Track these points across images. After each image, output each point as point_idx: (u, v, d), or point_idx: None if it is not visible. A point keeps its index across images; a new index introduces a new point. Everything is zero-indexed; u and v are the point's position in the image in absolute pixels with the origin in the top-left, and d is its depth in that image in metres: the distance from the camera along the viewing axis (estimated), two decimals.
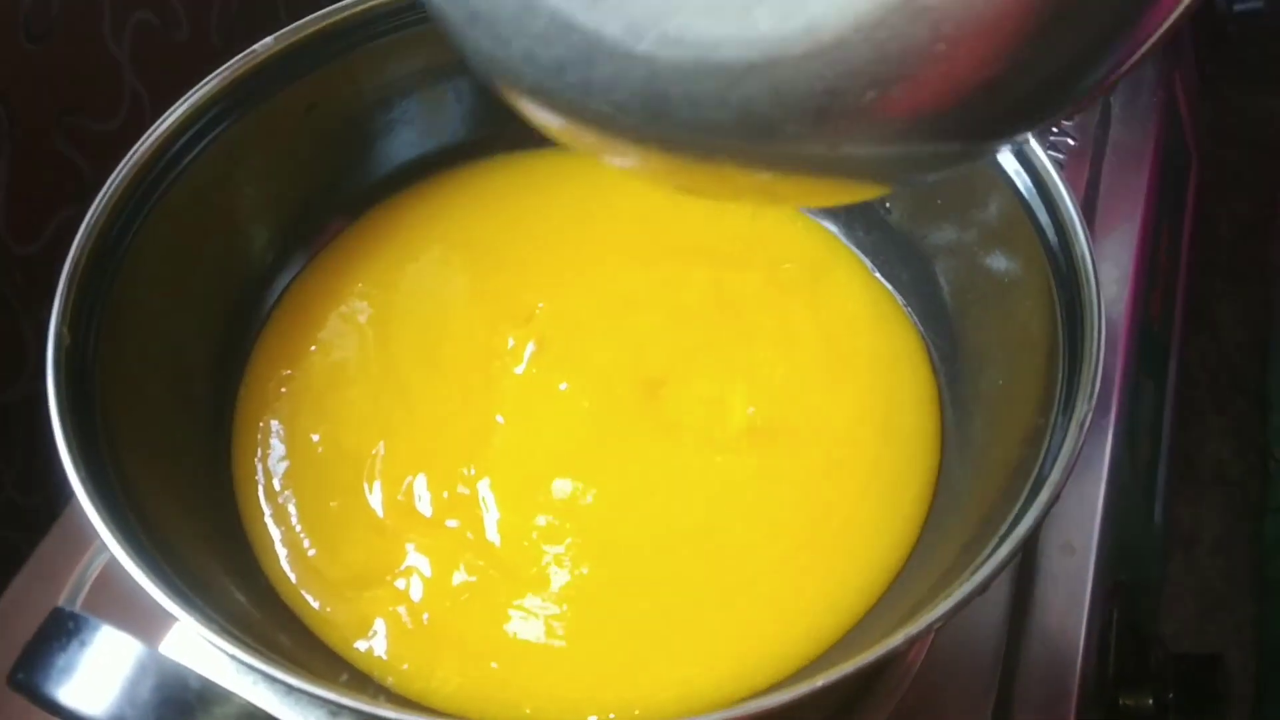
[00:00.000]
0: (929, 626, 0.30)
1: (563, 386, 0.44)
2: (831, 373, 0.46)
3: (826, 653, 0.39)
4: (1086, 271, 0.39)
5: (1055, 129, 0.62)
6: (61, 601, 0.47)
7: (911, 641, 0.30)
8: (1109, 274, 0.57)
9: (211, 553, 0.40)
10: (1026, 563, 0.48)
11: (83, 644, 0.29)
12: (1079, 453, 0.34)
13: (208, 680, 0.28)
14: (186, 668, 0.28)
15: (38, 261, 0.58)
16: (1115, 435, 0.52)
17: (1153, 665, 0.47)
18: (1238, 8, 0.74)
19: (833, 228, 0.51)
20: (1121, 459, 0.53)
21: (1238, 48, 0.80)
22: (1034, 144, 0.42)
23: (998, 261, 0.44)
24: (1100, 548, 0.49)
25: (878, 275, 0.49)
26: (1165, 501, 0.63)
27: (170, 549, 0.36)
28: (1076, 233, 0.39)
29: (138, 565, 0.33)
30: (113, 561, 0.33)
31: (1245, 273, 0.89)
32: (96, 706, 0.28)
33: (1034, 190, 0.41)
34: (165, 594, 0.32)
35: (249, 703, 0.28)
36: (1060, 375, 0.38)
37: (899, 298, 0.49)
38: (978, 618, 0.46)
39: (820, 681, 0.30)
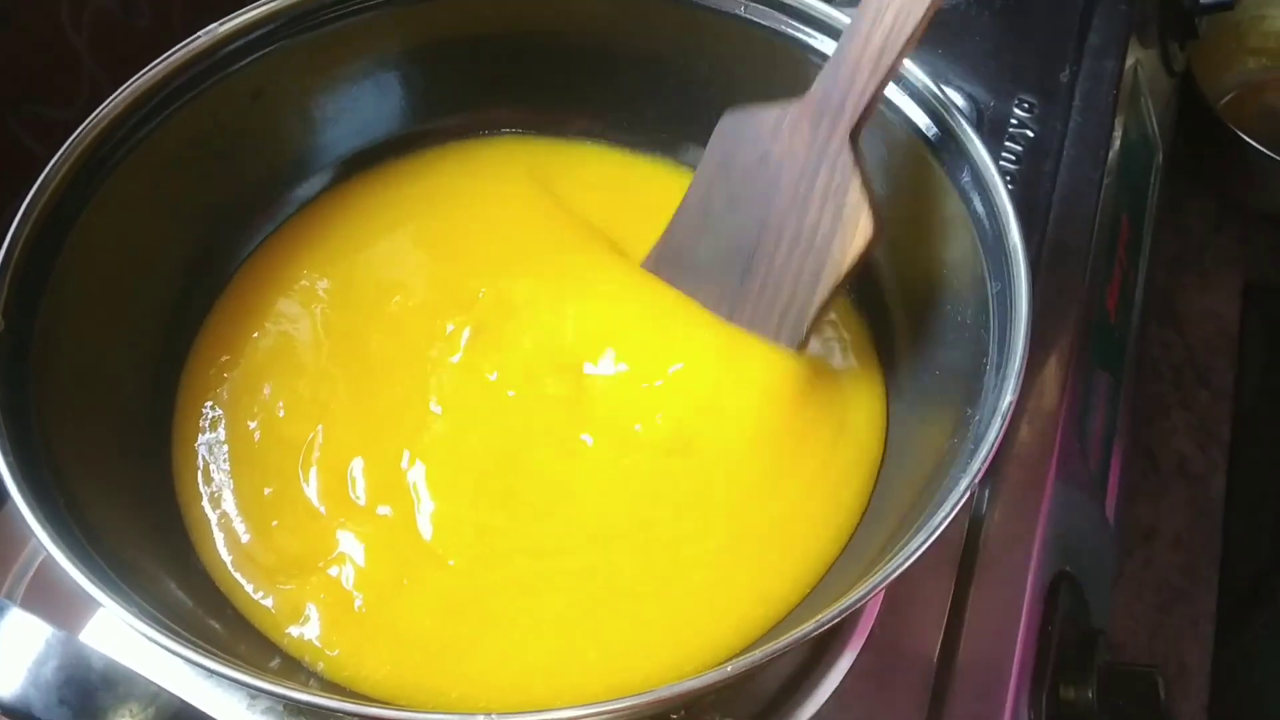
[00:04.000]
0: (824, 621, 0.30)
1: (493, 376, 0.44)
2: (775, 369, 0.46)
3: (754, 643, 0.39)
4: (1017, 264, 0.38)
5: (1014, 121, 0.62)
6: (4, 590, 0.47)
7: (812, 633, 0.31)
8: (1062, 267, 0.57)
9: (146, 537, 0.40)
10: (969, 551, 0.48)
11: None
12: (997, 445, 0.34)
13: (112, 661, 0.28)
14: (92, 649, 0.29)
15: None
16: (1064, 427, 0.52)
17: (1096, 661, 0.47)
18: (1205, 0, 0.74)
19: None
20: (1070, 451, 0.53)
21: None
22: (974, 136, 0.41)
23: (936, 251, 0.44)
24: (1044, 538, 0.49)
25: None
26: (1121, 495, 0.63)
27: (100, 533, 0.36)
28: (1009, 223, 0.39)
29: (60, 547, 0.33)
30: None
31: (1214, 267, 0.89)
32: (2, 687, 0.28)
33: (971, 182, 0.41)
34: (87, 577, 0.32)
35: (153, 683, 0.28)
36: (989, 366, 0.38)
37: (848, 290, 0.49)
38: (918, 604, 0.46)
39: (729, 668, 0.30)
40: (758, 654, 0.30)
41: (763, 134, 0.41)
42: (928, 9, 0.36)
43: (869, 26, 0.38)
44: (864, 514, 0.43)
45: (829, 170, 0.39)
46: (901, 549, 0.32)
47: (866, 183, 0.39)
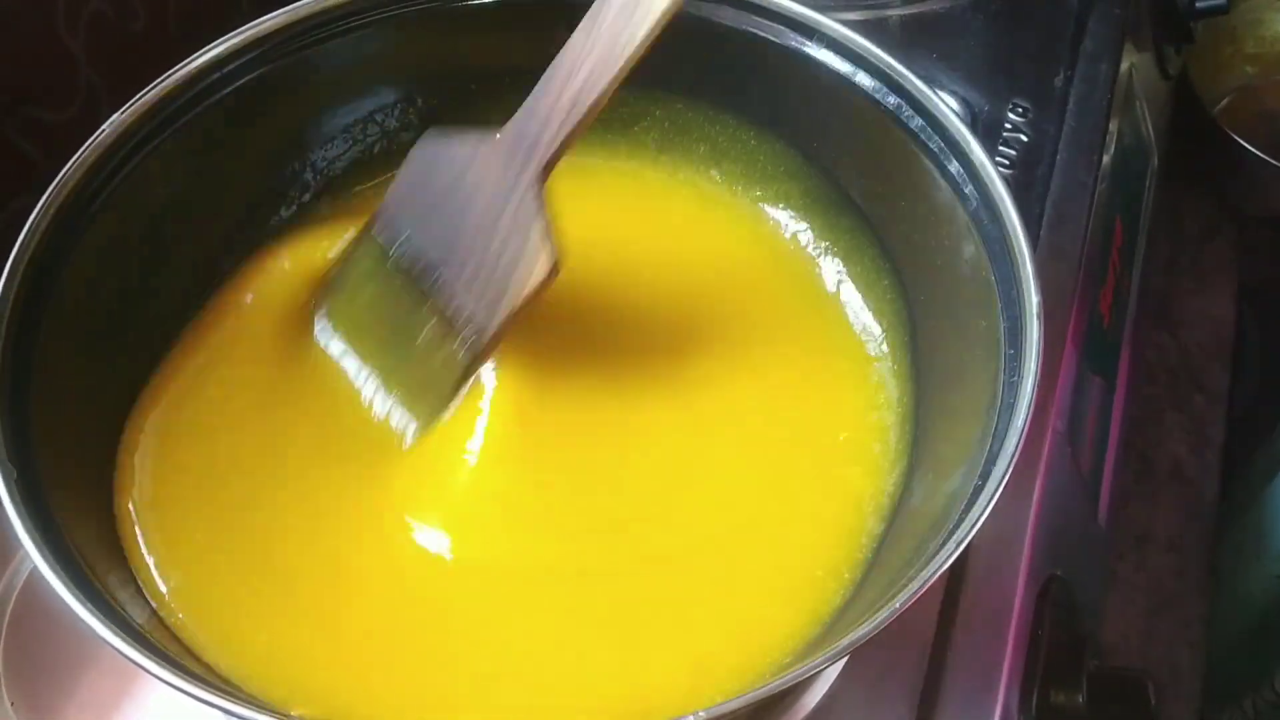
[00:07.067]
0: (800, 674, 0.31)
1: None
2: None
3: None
4: (1030, 306, 0.40)
5: (1008, 125, 0.62)
6: None
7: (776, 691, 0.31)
8: (1057, 271, 0.57)
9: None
10: (960, 555, 0.48)
11: None
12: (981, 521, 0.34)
13: None
14: None
15: None
16: (1055, 432, 0.53)
17: (1086, 666, 0.47)
18: (1200, 5, 0.74)
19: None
20: (1062, 454, 0.53)
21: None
22: (984, 158, 0.41)
23: (956, 279, 0.43)
24: (1035, 542, 0.49)
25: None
26: (1113, 498, 0.63)
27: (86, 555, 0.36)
28: (1022, 252, 0.40)
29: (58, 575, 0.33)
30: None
31: (1209, 270, 0.90)
32: None
33: (982, 205, 0.41)
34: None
35: None
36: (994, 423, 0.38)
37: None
38: (909, 607, 0.46)
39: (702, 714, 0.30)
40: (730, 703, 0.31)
41: (458, 160, 0.43)
42: (617, 74, 0.38)
43: (565, 76, 0.39)
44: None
45: (515, 206, 0.41)
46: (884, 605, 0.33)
47: (550, 223, 0.41)
